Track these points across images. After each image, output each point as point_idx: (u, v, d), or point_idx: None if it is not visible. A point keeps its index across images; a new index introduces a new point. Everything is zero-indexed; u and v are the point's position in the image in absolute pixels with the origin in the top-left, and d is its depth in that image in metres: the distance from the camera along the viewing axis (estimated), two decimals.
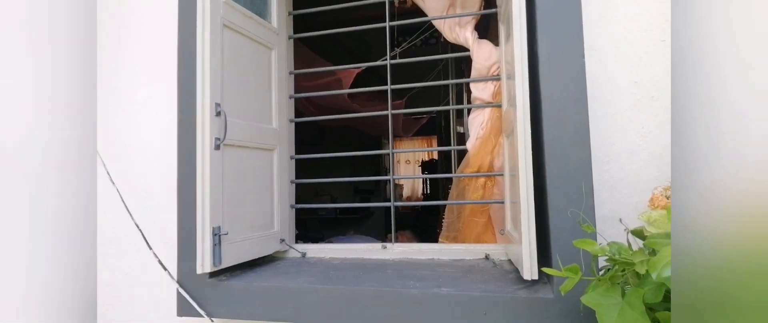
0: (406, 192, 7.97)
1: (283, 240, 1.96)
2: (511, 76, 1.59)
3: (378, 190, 6.18)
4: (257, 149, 1.84)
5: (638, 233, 1.06)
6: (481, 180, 2.06)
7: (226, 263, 1.59)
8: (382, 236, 4.58)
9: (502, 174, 1.91)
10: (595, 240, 1.27)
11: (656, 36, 1.59)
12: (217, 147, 1.58)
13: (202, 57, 1.56)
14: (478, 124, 2.06)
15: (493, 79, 2.04)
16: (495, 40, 2.09)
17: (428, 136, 7.89)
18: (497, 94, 2.04)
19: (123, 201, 1.79)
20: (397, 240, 1.99)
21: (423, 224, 4.80)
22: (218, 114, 1.59)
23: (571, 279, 1.01)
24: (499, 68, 2.00)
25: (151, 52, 1.90)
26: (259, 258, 1.85)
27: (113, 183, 1.80)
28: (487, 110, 2.07)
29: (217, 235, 1.54)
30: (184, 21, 1.79)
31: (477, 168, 2.04)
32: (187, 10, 1.77)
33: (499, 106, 1.99)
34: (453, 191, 2.20)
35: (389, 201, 2.11)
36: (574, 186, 1.42)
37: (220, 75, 1.62)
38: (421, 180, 7.83)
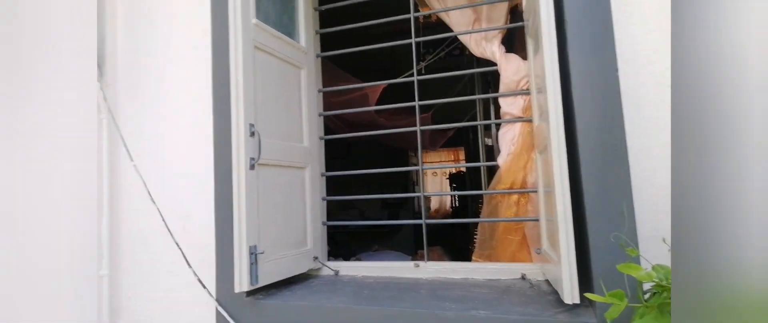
0: (433, 205, 7.91)
1: (316, 258, 1.97)
2: (541, 90, 1.57)
3: (406, 203, 6.15)
4: (290, 168, 1.87)
5: None
6: (514, 196, 2.02)
7: (262, 282, 1.61)
8: (411, 250, 4.54)
9: (536, 191, 1.87)
10: (639, 263, 1.22)
11: None
12: (252, 167, 1.61)
13: (236, 78, 1.60)
14: (508, 139, 2.04)
15: (522, 94, 2.01)
16: (521, 53, 2.07)
17: (455, 147, 7.83)
18: (527, 108, 2.00)
19: (163, 219, 1.85)
20: (428, 257, 1.97)
21: (454, 239, 4.73)
22: (252, 134, 1.63)
23: (616, 305, 0.97)
24: (528, 82, 1.98)
25: (189, 74, 1.96)
26: (293, 276, 1.86)
27: (154, 201, 1.86)
28: (518, 125, 2.04)
29: (253, 254, 1.57)
30: (217, 43, 1.85)
31: (509, 185, 2.00)
32: (220, 33, 1.83)
33: (530, 121, 1.96)
34: (485, 208, 2.17)
35: (418, 215, 2.10)
36: (614, 206, 1.38)
37: (253, 96, 1.66)
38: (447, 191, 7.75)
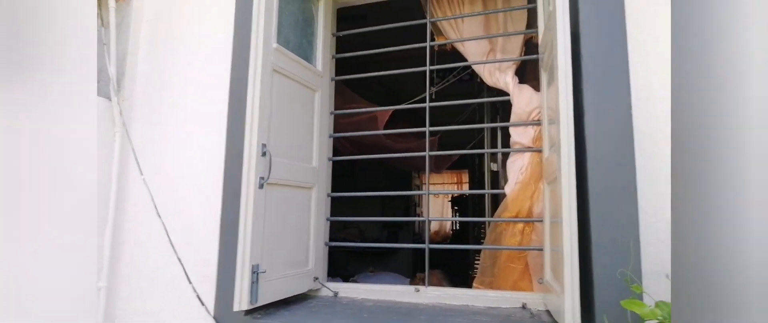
0: (433, 227, 7.88)
1: (316, 279, 1.97)
2: (553, 122, 1.59)
3: (406, 224, 6.14)
4: (297, 188, 1.89)
5: None
6: (519, 225, 2.03)
7: (262, 301, 1.61)
8: (409, 272, 4.51)
9: (541, 221, 1.88)
10: (643, 300, 1.23)
11: None
12: (261, 186, 1.63)
13: (252, 100, 1.63)
14: (517, 168, 2.05)
15: (533, 124, 2.04)
16: (532, 83, 2.10)
17: (459, 170, 7.85)
18: (537, 138, 2.03)
19: (167, 234, 1.85)
20: (428, 281, 1.97)
21: (454, 263, 4.70)
22: (264, 154, 1.65)
23: None
24: (539, 113, 2.01)
25: (206, 93, 1.99)
26: (292, 296, 1.86)
27: (159, 216, 1.87)
28: (527, 154, 2.06)
29: (255, 273, 1.57)
30: (236, 65, 1.89)
31: (515, 214, 2.01)
32: (241, 55, 1.87)
33: (540, 151, 1.98)
34: (489, 235, 2.17)
35: (418, 236, 2.12)
36: (620, 241, 1.39)
37: (268, 117, 1.69)
38: (450, 216, 7.73)
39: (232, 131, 1.83)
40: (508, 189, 2.06)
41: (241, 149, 1.65)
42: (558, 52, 1.45)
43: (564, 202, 1.36)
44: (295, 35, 1.94)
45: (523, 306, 1.79)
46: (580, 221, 1.39)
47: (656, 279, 1.38)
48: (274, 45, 1.74)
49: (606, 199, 1.42)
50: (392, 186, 5.81)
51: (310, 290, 1.98)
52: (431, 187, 8.68)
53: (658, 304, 1.14)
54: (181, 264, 1.81)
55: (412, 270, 4.85)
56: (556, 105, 1.46)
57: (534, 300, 1.81)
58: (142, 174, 1.95)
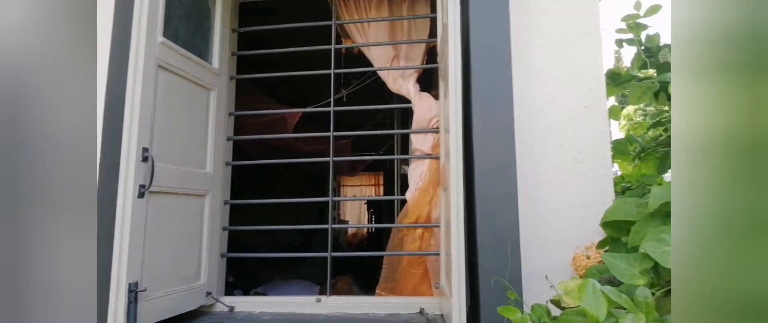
0: (350, 230, 7.87)
1: (209, 294, 1.85)
2: (449, 130, 1.65)
3: (321, 230, 6.05)
4: (187, 195, 1.75)
5: (556, 302, 1.10)
6: (419, 230, 2.07)
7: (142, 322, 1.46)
8: (322, 279, 4.45)
9: (439, 226, 1.94)
10: (521, 306, 1.31)
11: (579, 102, 1.72)
12: (142, 195, 1.49)
13: (132, 99, 1.49)
14: (417, 174, 2.10)
15: (433, 132, 2.10)
16: (435, 92, 2.17)
17: (375, 172, 7.93)
18: (436, 146, 2.09)
19: None
20: (334, 287, 1.94)
21: (365, 267, 4.72)
22: (145, 159, 1.51)
23: None
24: (439, 121, 2.07)
25: None
26: (181, 314, 1.72)
27: None
28: (427, 161, 2.11)
29: (133, 292, 1.43)
30: (115, 59, 1.70)
31: (415, 219, 2.05)
32: (120, 49, 1.69)
33: (438, 158, 2.04)
34: (392, 240, 2.20)
35: (336, 238, 2.09)
36: (503, 246, 1.46)
37: (151, 118, 1.55)
38: (366, 218, 7.79)
39: (108, 134, 1.64)
40: (409, 195, 2.10)
41: (118, 153, 1.49)
42: (449, 63, 1.50)
43: (452, 208, 1.41)
44: (186, 29, 1.80)
45: (421, 311, 1.83)
46: (467, 227, 1.45)
47: (538, 281, 1.48)
48: (160, 39, 1.60)
49: (491, 205, 1.50)
50: (309, 188, 5.69)
51: (203, 306, 1.84)
52: (349, 189, 8.67)
53: (532, 307, 1.22)
54: None
55: (325, 276, 4.77)
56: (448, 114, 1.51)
57: (431, 304, 1.85)
58: None
